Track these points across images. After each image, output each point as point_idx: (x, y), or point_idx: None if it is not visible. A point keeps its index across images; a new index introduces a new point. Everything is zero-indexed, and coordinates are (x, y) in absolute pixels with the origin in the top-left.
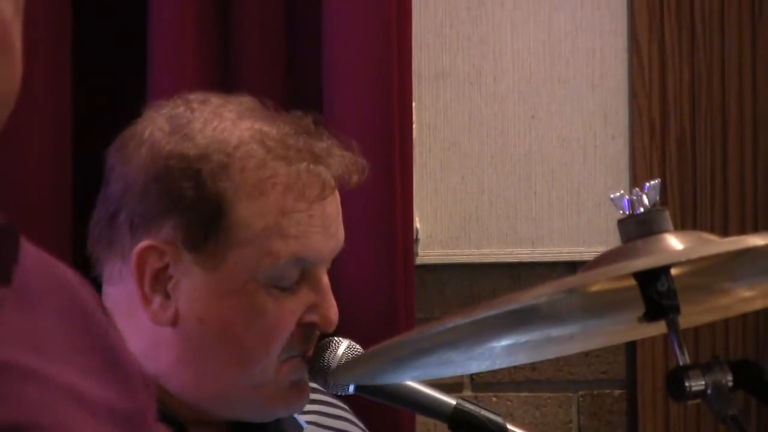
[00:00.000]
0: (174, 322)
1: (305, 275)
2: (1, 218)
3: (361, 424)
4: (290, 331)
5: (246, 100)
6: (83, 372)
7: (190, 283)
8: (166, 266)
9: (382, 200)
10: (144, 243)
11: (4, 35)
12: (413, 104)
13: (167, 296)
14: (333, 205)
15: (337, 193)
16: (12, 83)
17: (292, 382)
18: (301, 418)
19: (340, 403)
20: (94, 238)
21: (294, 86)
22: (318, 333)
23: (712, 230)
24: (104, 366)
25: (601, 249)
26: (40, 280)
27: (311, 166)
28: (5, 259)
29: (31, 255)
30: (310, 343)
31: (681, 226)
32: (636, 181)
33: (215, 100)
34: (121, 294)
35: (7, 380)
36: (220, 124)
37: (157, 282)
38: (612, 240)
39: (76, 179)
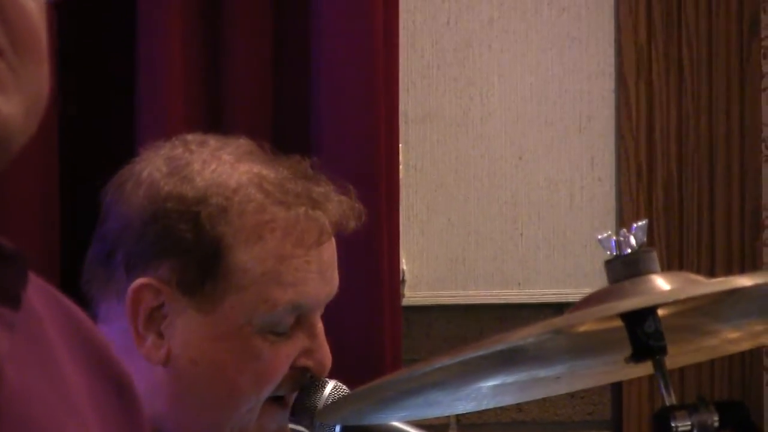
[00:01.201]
0: (166, 361)
1: (300, 320)
2: (9, 244)
3: None
4: (283, 374)
5: (244, 143)
6: (95, 397)
7: (185, 324)
8: (161, 305)
9: (368, 241)
10: (140, 281)
11: (34, 39)
12: (400, 146)
13: (160, 335)
14: (330, 251)
15: (333, 239)
16: (44, 86)
17: (272, 429)
18: None
19: None
20: (89, 277)
21: (281, 127)
22: (308, 377)
23: (698, 271)
24: (113, 395)
25: (588, 290)
26: (45, 307)
27: (309, 211)
28: (15, 284)
29: (34, 281)
30: (297, 388)
31: (668, 267)
32: (623, 222)
33: (213, 142)
34: (115, 333)
35: (24, 406)
36: (218, 166)
37: (151, 321)
38: (599, 281)
39: (64, 213)
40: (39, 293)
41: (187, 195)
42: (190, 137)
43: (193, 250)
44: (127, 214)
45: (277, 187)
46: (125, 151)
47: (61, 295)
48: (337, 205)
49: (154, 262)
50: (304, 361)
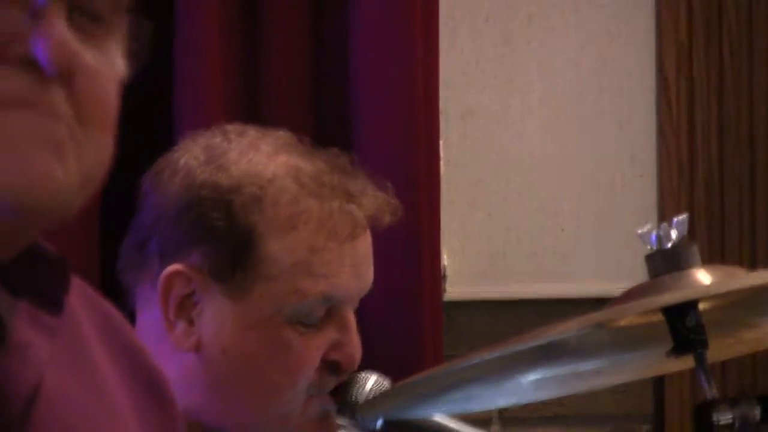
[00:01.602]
0: (196, 349)
1: (331, 313)
2: (52, 249)
3: None
4: (314, 366)
5: (283, 135)
6: (133, 400)
7: (215, 312)
8: (192, 293)
9: (409, 237)
10: (172, 268)
11: (102, 108)
12: (440, 142)
13: (191, 323)
14: (364, 246)
15: (368, 233)
16: (106, 155)
17: (319, 415)
18: None
19: None
20: (125, 264)
21: (321, 124)
22: (345, 371)
23: (740, 265)
24: (150, 397)
25: (628, 285)
26: (83, 309)
27: (344, 204)
28: (57, 290)
29: (74, 283)
30: (339, 379)
31: (709, 261)
32: (663, 218)
33: (253, 132)
34: (149, 321)
35: (65, 411)
36: (255, 156)
37: (181, 308)
38: (639, 276)
39: (105, 205)
40: (78, 295)
41: (221, 183)
42: (229, 127)
43: (225, 237)
44: (162, 202)
45: (312, 179)
46: (163, 150)
47: (99, 297)
48: (373, 200)
49: (187, 250)
50: (334, 354)
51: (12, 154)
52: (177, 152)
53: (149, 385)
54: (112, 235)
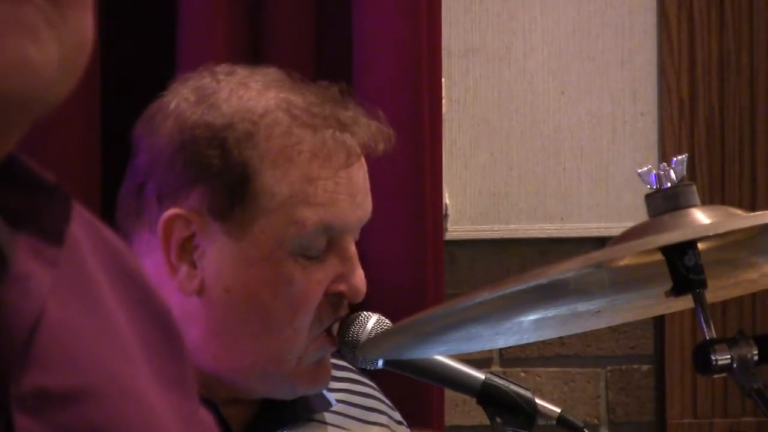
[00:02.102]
0: (200, 291)
1: (332, 244)
2: (51, 178)
3: (388, 401)
4: (318, 300)
5: (272, 71)
6: (140, 334)
7: (217, 252)
8: (193, 235)
9: (411, 176)
10: (170, 212)
11: None
12: (443, 80)
13: (194, 265)
14: (360, 174)
15: (363, 161)
16: (85, 35)
17: (315, 360)
18: (331, 395)
19: (368, 381)
20: (123, 211)
21: (323, 62)
22: (346, 304)
23: (740, 206)
24: (155, 328)
25: (629, 224)
26: (86, 238)
27: (337, 133)
28: (58, 220)
29: (77, 211)
30: (338, 314)
31: (709, 201)
32: (665, 157)
33: (241, 71)
34: (150, 266)
35: (65, 342)
36: (245, 93)
37: (183, 251)
38: (640, 215)
39: (105, 155)
40: (81, 224)
41: (214, 122)
42: (218, 68)
43: (222, 175)
44: (156, 145)
45: (304, 111)
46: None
47: (103, 226)
48: (366, 128)
49: (184, 191)
50: (338, 287)
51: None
52: (167, 96)
53: (154, 315)
54: (113, 184)
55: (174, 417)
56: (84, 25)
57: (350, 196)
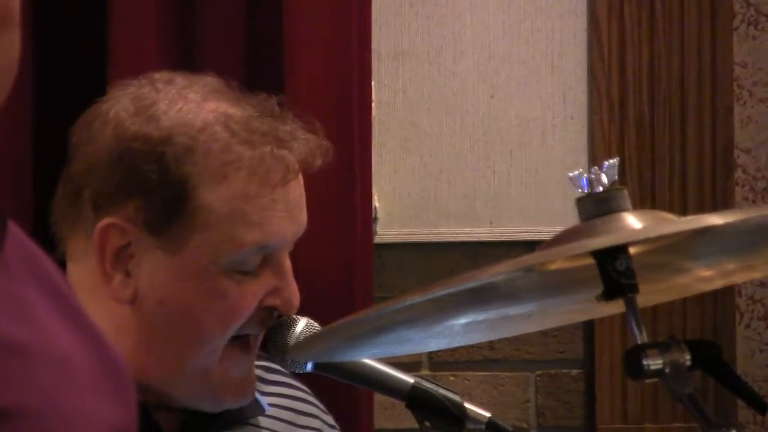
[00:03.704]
0: (133, 300)
1: (268, 259)
2: None
3: (321, 405)
4: (250, 313)
5: (211, 81)
6: (73, 343)
7: (151, 264)
8: (128, 244)
9: (340, 179)
10: (106, 220)
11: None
12: (372, 83)
13: (128, 274)
14: (296, 189)
15: (300, 177)
16: (14, 54)
17: (238, 374)
18: (264, 400)
19: (301, 385)
20: (58, 216)
21: (254, 64)
22: (275, 316)
23: (670, 210)
24: (84, 337)
25: (560, 228)
26: (16, 255)
27: (275, 150)
28: None
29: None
30: (265, 327)
31: (640, 205)
32: (595, 160)
33: (180, 80)
34: (83, 272)
35: (2, 360)
36: (184, 105)
37: (118, 260)
38: (571, 219)
39: (36, 154)
40: (12, 241)
41: (152, 135)
42: (157, 75)
43: (159, 190)
44: (93, 153)
45: (242, 126)
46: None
47: (32, 244)
48: (304, 143)
49: (121, 202)
50: (272, 300)
51: None
52: (106, 103)
53: (87, 331)
54: (46, 187)
55: (109, 430)
56: (12, 43)
57: (287, 212)
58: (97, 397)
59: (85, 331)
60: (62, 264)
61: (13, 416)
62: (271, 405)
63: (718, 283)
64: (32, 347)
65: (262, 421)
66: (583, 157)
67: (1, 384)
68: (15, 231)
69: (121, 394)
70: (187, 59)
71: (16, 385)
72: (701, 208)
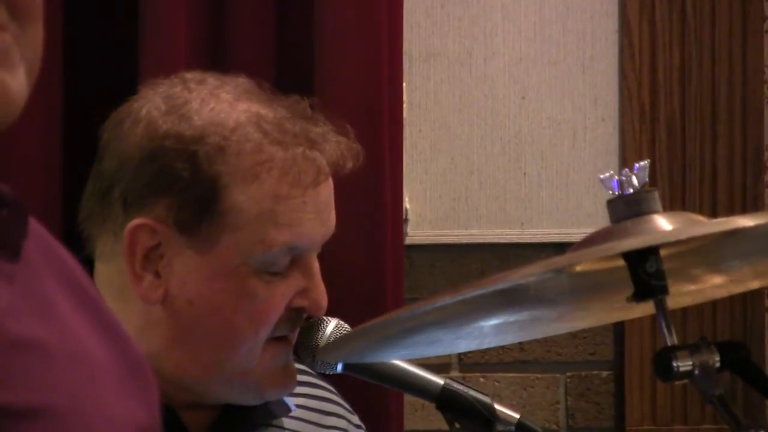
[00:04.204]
0: (163, 301)
1: (296, 260)
2: (9, 191)
3: (347, 406)
4: (279, 314)
5: (243, 82)
6: (96, 343)
7: (181, 263)
8: (158, 245)
9: (371, 180)
10: (137, 221)
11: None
12: (403, 84)
13: (158, 275)
14: (326, 192)
15: (330, 179)
16: (41, 45)
17: (278, 366)
18: (290, 401)
19: (327, 385)
20: (86, 214)
21: (284, 66)
22: (304, 318)
23: (700, 211)
24: (107, 336)
25: (589, 230)
26: (41, 254)
27: (307, 151)
28: (15, 234)
29: (31, 226)
30: (297, 328)
31: (670, 207)
32: (625, 162)
33: (212, 80)
34: (112, 272)
35: (25, 359)
36: (217, 105)
37: (148, 260)
38: (600, 221)
39: (66, 153)
40: (35, 239)
41: (184, 134)
42: (189, 75)
43: (190, 189)
44: (124, 151)
45: (275, 126)
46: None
47: (56, 242)
48: (335, 146)
49: (151, 201)
50: (300, 301)
51: None
52: (137, 101)
53: (109, 329)
54: (75, 185)
55: (133, 429)
56: (39, 36)
57: (316, 214)
58: (121, 396)
59: (108, 330)
60: (89, 263)
61: (38, 416)
62: (297, 406)
63: (748, 285)
64: (56, 347)
65: (288, 422)
66: (614, 159)
67: (26, 384)
68: (37, 229)
69: (144, 393)
70: (217, 60)
71: (41, 384)
72: (731, 210)
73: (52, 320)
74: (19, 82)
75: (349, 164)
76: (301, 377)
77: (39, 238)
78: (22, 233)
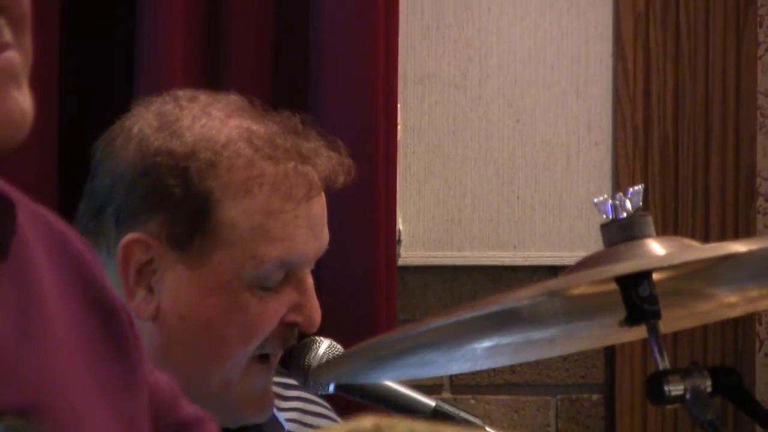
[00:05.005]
0: (155, 316)
1: (289, 276)
2: None
3: (340, 421)
4: (272, 328)
5: (234, 99)
6: (86, 337)
7: (174, 279)
8: (151, 260)
9: (365, 201)
10: (130, 236)
11: (27, 13)
12: (398, 106)
13: (151, 291)
14: (319, 206)
15: (323, 194)
16: (29, 57)
17: (258, 389)
18: (282, 416)
19: (321, 401)
20: (80, 232)
21: (280, 86)
22: (296, 334)
23: (693, 235)
24: (101, 327)
25: (583, 253)
26: (35, 234)
27: (298, 166)
28: (2, 234)
29: (25, 205)
30: (288, 344)
31: (662, 231)
32: (619, 186)
33: (204, 97)
34: None
35: (13, 360)
36: (208, 121)
37: (141, 276)
38: (593, 245)
39: (62, 171)
40: (30, 218)
41: (176, 150)
42: (180, 93)
43: (182, 204)
44: (117, 169)
45: (266, 142)
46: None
47: (55, 219)
48: (327, 161)
49: (144, 217)
50: (293, 317)
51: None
52: (129, 119)
53: (100, 306)
54: (70, 204)
55: (114, 420)
56: (30, 44)
57: (309, 229)
58: (106, 386)
59: (99, 308)
60: None
61: (30, 415)
62: (289, 420)
63: (740, 310)
64: (41, 345)
65: None
66: (607, 183)
67: (17, 384)
68: (32, 208)
69: (131, 379)
70: (213, 78)
71: (30, 384)
72: (723, 235)
73: (39, 316)
74: (28, 98)
75: (341, 179)
76: (293, 392)
77: (33, 214)
78: (10, 230)
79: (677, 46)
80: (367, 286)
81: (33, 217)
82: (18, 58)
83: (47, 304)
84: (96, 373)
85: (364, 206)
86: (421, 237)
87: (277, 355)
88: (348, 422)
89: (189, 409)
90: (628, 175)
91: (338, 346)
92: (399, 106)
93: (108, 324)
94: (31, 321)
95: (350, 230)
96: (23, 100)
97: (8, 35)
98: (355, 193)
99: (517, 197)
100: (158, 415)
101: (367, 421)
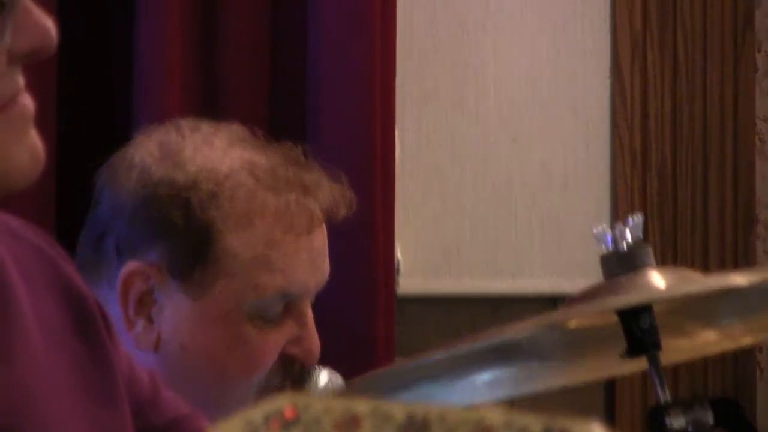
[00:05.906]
0: (156, 347)
1: (290, 308)
2: None
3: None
4: (273, 361)
5: (236, 129)
6: (68, 352)
7: (174, 309)
8: (151, 290)
9: (363, 229)
10: (130, 266)
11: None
12: (396, 128)
13: (151, 321)
14: (320, 239)
15: (324, 226)
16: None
17: None
18: None
19: None
20: (81, 261)
21: (277, 108)
22: (297, 366)
23: (692, 261)
24: (81, 341)
25: (582, 281)
26: (7, 249)
27: (300, 197)
28: None
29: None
30: (289, 376)
31: (661, 256)
32: (617, 210)
33: (206, 127)
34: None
35: None
36: (210, 152)
37: (141, 306)
38: (592, 271)
39: (60, 197)
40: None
41: (178, 180)
42: (183, 122)
43: (183, 234)
44: (118, 198)
45: (268, 173)
46: (122, 138)
47: (30, 231)
48: (328, 192)
49: (145, 247)
50: (293, 350)
51: (22, 138)
52: (131, 148)
53: (76, 311)
54: (69, 233)
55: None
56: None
57: (310, 261)
58: (89, 399)
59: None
60: None
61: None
62: None
63: (741, 342)
64: (22, 362)
65: None
66: (605, 206)
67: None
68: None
69: (112, 392)
70: (210, 101)
71: (11, 404)
72: (722, 262)
73: (17, 333)
74: (39, 140)
75: (343, 211)
76: None
77: (7, 232)
78: None
79: (675, 68)
80: (366, 316)
81: (3, 231)
82: (31, 101)
83: (26, 319)
84: (74, 384)
85: (363, 234)
86: (419, 265)
87: (286, 384)
88: (264, 404)
89: (173, 405)
90: (627, 197)
91: (337, 374)
92: (396, 128)
93: (82, 324)
94: (10, 339)
95: (348, 259)
96: (39, 140)
97: (20, 78)
98: (354, 220)
99: (515, 219)
100: (141, 416)
101: (284, 399)
